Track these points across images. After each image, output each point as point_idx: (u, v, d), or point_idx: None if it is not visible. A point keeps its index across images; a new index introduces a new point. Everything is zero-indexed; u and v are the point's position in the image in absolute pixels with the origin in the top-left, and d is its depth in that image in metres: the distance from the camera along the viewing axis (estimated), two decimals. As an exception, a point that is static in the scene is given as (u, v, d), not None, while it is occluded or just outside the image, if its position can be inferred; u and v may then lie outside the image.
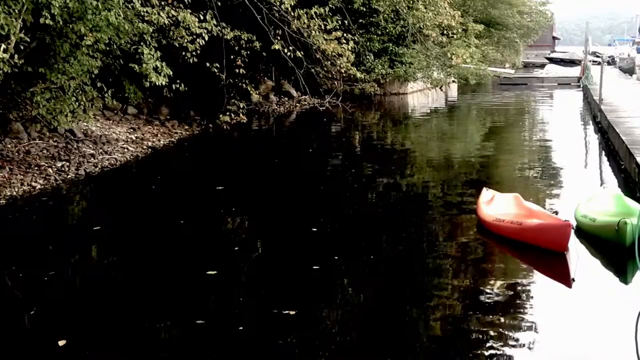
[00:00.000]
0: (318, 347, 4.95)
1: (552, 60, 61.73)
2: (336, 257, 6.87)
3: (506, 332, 5.08)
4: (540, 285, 6.19)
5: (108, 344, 5.02)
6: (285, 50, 15.11)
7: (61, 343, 4.92)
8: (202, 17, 13.36)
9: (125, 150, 13.27)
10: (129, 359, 4.84)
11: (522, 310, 5.53)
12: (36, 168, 10.91)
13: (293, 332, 5.15)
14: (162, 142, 14.76)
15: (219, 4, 14.69)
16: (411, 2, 22.42)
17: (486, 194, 8.56)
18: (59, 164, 11.33)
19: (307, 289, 6.13)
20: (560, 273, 6.53)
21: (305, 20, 15.22)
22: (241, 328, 5.21)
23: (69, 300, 5.92)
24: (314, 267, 6.55)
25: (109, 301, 5.84)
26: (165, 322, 5.37)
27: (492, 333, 5.06)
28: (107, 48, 11.79)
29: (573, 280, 6.23)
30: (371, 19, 24.90)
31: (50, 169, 10.98)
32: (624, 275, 6.55)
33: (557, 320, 5.33)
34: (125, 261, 7.07)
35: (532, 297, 5.84)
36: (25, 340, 5.16)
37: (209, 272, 6.42)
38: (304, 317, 5.40)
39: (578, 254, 6.72)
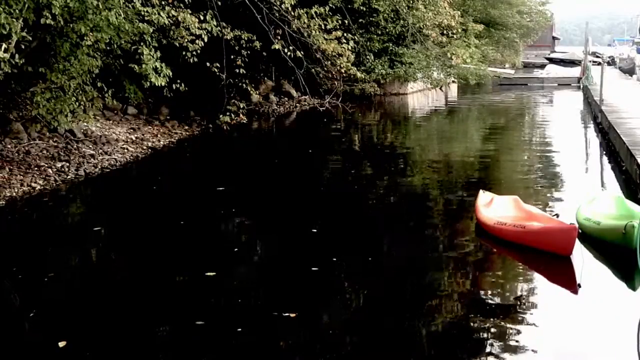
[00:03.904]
0: (318, 349, 4.94)
1: (552, 61, 61.73)
2: (335, 259, 6.85)
3: (510, 338, 5.05)
4: (545, 290, 6.11)
5: (108, 345, 5.01)
6: (285, 50, 15.09)
7: (61, 344, 4.91)
8: (202, 18, 13.34)
9: (125, 150, 13.26)
10: (129, 359, 4.84)
11: (527, 316, 5.47)
12: (36, 168, 10.89)
13: (293, 334, 5.14)
14: (162, 142, 14.74)
15: (219, 3, 14.66)
16: (411, 1, 22.41)
17: (483, 196, 8.50)
18: (59, 165, 11.32)
19: (307, 290, 6.12)
20: (566, 278, 6.44)
21: (305, 20, 15.19)
22: (240, 329, 5.20)
23: (69, 301, 5.91)
24: (314, 269, 6.53)
25: (109, 302, 5.84)
26: (165, 323, 5.36)
27: (495, 338, 5.05)
28: (108, 48, 11.78)
29: (579, 285, 6.12)
30: (371, 19, 24.88)
31: (50, 170, 10.96)
32: (631, 281, 6.40)
33: (564, 326, 5.27)
34: (125, 262, 7.07)
35: (537, 302, 5.78)
36: (25, 341, 5.16)
37: (208, 274, 6.41)
38: (304, 319, 5.39)
39: (583, 258, 6.58)
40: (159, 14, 11.95)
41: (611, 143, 13.62)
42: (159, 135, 15.35)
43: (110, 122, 15.58)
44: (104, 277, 6.58)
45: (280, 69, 22.24)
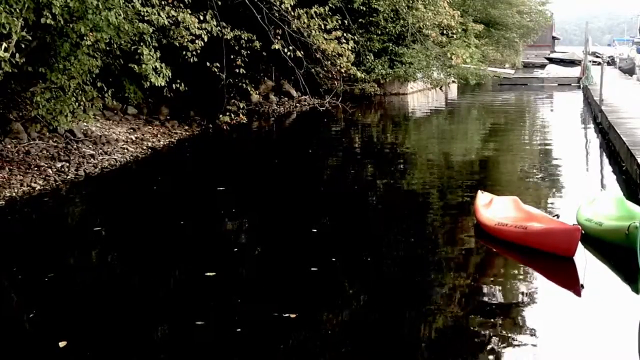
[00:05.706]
0: (318, 350, 4.94)
1: (552, 61, 61.73)
2: (335, 259, 6.85)
3: (512, 338, 5.04)
4: (548, 291, 6.08)
5: (108, 345, 5.01)
6: (285, 50, 15.09)
7: (61, 344, 4.91)
8: (202, 18, 13.34)
9: (125, 150, 13.26)
10: (129, 359, 4.84)
11: (529, 316, 5.46)
12: (36, 168, 10.89)
13: (294, 335, 5.14)
14: (162, 142, 14.74)
15: (219, 3, 14.66)
16: (411, 1, 22.39)
17: (482, 196, 8.47)
18: (59, 165, 11.31)
19: (307, 291, 6.11)
20: (569, 279, 6.41)
21: (305, 20, 15.19)
22: (240, 329, 5.19)
23: (69, 301, 5.91)
24: (314, 269, 6.53)
25: (109, 302, 5.84)
26: (165, 323, 5.37)
27: (497, 338, 5.04)
28: (108, 48, 11.78)
29: (582, 286, 6.09)
30: (371, 19, 24.89)
31: (50, 170, 10.96)
32: (634, 282, 6.34)
33: (566, 327, 5.27)
34: (125, 262, 7.07)
35: (539, 303, 5.77)
36: (26, 341, 5.15)
37: (208, 274, 6.41)
38: (304, 320, 5.38)
39: (586, 259, 6.54)
40: (158, 14, 11.95)
41: (611, 143, 13.62)
42: (159, 135, 15.35)
43: (110, 122, 15.58)
44: (104, 277, 6.58)
45: (280, 69, 22.25)
